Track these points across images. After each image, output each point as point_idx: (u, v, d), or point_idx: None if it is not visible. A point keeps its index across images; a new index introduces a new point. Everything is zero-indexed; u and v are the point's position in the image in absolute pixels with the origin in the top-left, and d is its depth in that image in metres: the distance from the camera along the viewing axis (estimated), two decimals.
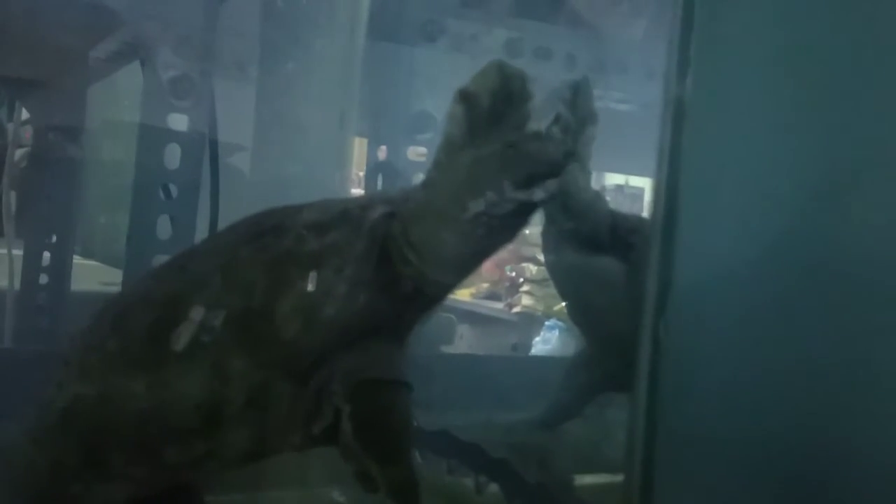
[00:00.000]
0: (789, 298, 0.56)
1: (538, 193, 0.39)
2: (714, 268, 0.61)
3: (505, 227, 0.41)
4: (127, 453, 0.41)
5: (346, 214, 0.43)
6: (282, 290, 0.41)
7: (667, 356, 0.49)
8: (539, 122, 0.40)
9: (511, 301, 1.66)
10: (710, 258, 0.61)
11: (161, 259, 0.72)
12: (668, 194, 0.50)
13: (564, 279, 0.68)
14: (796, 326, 0.55)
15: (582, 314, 0.68)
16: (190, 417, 0.41)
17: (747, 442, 0.57)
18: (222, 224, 0.78)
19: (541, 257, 1.53)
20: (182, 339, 0.41)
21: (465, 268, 0.44)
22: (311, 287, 0.41)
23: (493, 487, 0.55)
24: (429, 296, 0.43)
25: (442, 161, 0.41)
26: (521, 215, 0.41)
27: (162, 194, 0.71)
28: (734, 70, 0.59)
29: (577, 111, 0.44)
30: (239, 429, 0.41)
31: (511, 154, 0.39)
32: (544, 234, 0.68)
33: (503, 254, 1.73)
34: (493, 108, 0.40)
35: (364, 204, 0.44)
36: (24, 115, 1.09)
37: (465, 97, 0.40)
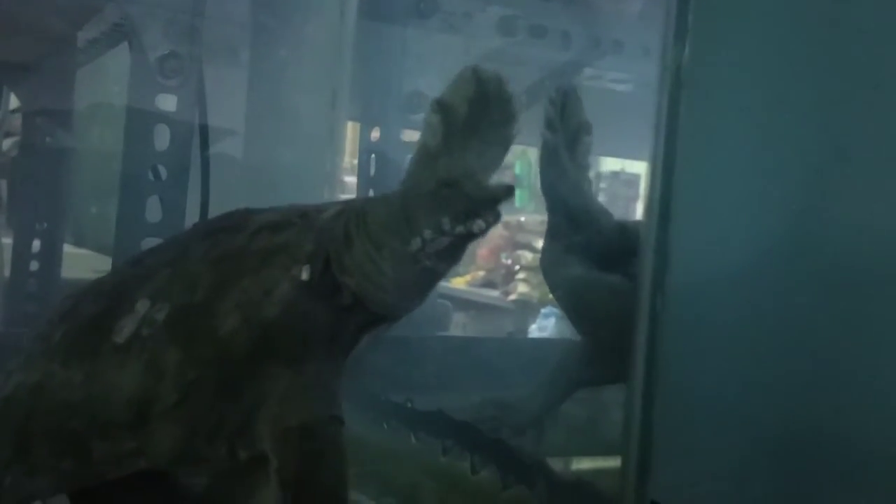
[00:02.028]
0: (787, 277, 0.56)
1: (478, 225, 0.38)
2: (711, 245, 0.61)
3: (448, 255, 0.40)
4: (55, 445, 0.40)
5: (304, 216, 0.42)
6: (225, 286, 0.40)
7: (664, 333, 0.48)
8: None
9: (507, 289, 1.66)
10: (707, 235, 0.60)
11: (151, 241, 0.71)
12: (664, 169, 0.49)
13: (570, 293, 0.66)
14: (794, 305, 0.54)
15: (590, 325, 0.65)
16: (120, 412, 0.39)
17: (745, 420, 0.56)
18: (213, 208, 0.77)
19: (536, 245, 1.52)
20: (125, 331, 0.40)
21: (405, 292, 0.41)
22: (257, 283, 0.39)
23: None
24: (369, 313, 0.41)
25: (412, 171, 0.40)
26: (463, 243, 0.40)
27: (151, 175, 0.70)
28: (732, 41, 0.58)
29: (568, 119, 0.43)
30: (167, 428, 0.39)
31: (447, 193, 0.38)
32: (546, 250, 0.66)
33: (499, 241, 1.73)
34: (471, 115, 0.39)
35: (322, 206, 0.43)
36: (14, 105, 1.08)
37: (441, 107, 0.39)
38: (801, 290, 0.54)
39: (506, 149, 0.42)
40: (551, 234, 0.65)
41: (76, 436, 0.39)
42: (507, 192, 0.39)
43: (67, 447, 0.39)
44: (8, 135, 1.16)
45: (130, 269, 0.44)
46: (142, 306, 0.40)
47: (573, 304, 0.65)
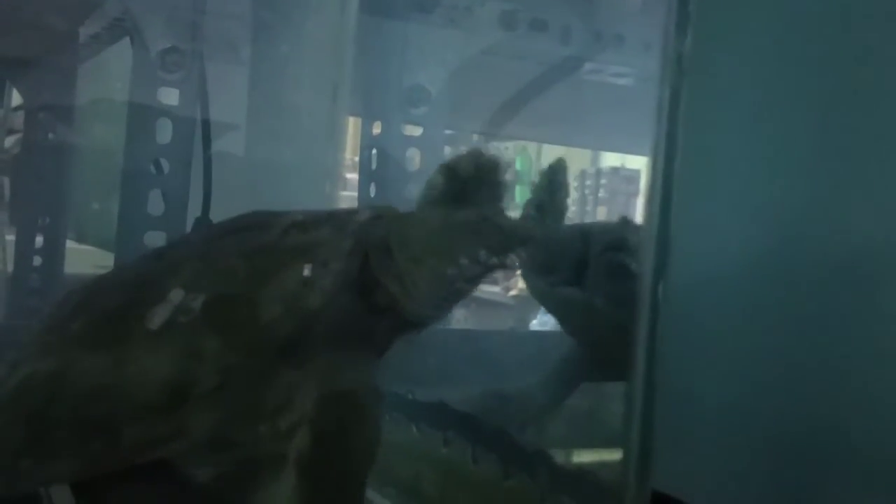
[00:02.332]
0: (789, 269, 0.56)
1: (511, 259, 0.42)
2: (713, 236, 0.61)
3: (477, 279, 0.43)
4: (80, 429, 0.40)
5: (332, 216, 0.44)
6: (263, 278, 0.41)
7: (666, 323, 0.48)
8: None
9: (507, 284, 1.66)
10: (709, 225, 0.60)
11: (153, 235, 0.71)
12: (666, 159, 0.49)
13: (551, 307, 0.67)
14: (795, 297, 0.54)
15: (578, 335, 0.66)
16: (155, 395, 0.40)
17: (747, 412, 0.56)
18: (215, 202, 0.77)
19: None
20: (157, 318, 0.40)
21: (435, 306, 0.44)
22: (298, 275, 0.41)
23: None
24: (401, 317, 0.43)
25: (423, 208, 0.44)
26: (493, 272, 0.44)
27: (153, 169, 0.70)
28: (734, 31, 0.58)
29: (555, 194, 0.47)
30: (205, 411, 0.40)
31: (486, 225, 0.42)
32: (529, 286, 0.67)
33: None
34: (466, 186, 0.43)
35: (352, 210, 0.46)
36: (16, 102, 1.08)
37: (444, 171, 0.44)
38: (803, 282, 0.54)
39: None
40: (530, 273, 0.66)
41: (105, 419, 0.40)
42: (538, 231, 0.45)
43: (94, 431, 0.40)
44: (11, 132, 1.17)
45: (151, 264, 0.45)
46: (175, 295, 0.41)
47: (571, 328, 0.66)
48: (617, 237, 0.61)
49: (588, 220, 1.61)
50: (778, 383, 0.55)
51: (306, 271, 0.41)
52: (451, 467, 0.55)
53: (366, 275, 0.42)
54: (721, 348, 0.59)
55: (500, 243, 0.42)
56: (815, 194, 0.52)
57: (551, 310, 0.66)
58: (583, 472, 0.50)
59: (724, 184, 0.61)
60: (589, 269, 0.62)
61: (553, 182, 0.50)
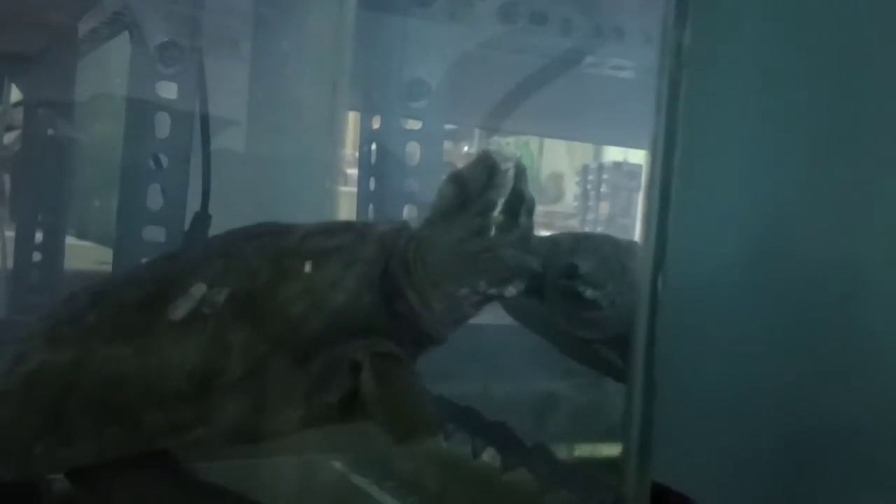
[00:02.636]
0: (789, 261, 0.56)
1: (510, 290, 0.45)
2: (713, 228, 0.60)
3: (481, 304, 0.46)
4: (99, 416, 0.41)
5: (350, 226, 0.47)
6: (288, 277, 0.43)
7: (666, 316, 0.48)
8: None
9: None
10: (709, 220, 0.60)
11: (152, 230, 0.71)
12: (665, 151, 0.49)
13: (512, 312, 0.66)
14: (796, 289, 0.54)
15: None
16: (180, 383, 0.41)
17: (747, 405, 0.56)
18: (214, 200, 0.77)
19: (539, 236, 1.52)
20: (180, 310, 0.42)
21: (445, 324, 0.47)
22: (323, 274, 0.43)
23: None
24: (418, 329, 0.46)
25: (433, 222, 0.46)
26: (490, 301, 0.46)
27: (152, 164, 0.70)
28: (734, 21, 0.58)
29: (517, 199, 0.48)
30: (233, 399, 0.41)
31: (488, 259, 0.44)
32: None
33: None
34: (477, 191, 0.45)
35: (369, 222, 0.51)
36: (15, 98, 1.08)
37: (455, 180, 0.46)
38: (804, 274, 0.54)
39: None
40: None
41: (126, 406, 0.41)
42: (537, 264, 0.46)
43: (114, 417, 0.41)
44: (10, 128, 1.17)
45: (166, 264, 0.47)
46: (197, 290, 0.42)
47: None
48: (568, 264, 0.59)
49: (591, 215, 1.60)
50: (778, 376, 0.55)
51: (330, 272, 0.43)
52: (451, 461, 0.55)
53: (388, 283, 0.44)
54: (721, 341, 0.59)
55: (500, 276, 0.44)
56: (816, 189, 0.52)
57: (512, 314, 0.65)
58: (582, 464, 0.49)
59: (725, 179, 0.60)
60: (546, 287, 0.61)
61: (514, 188, 0.50)
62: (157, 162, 0.71)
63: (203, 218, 0.74)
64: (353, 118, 0.88)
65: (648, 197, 0.49)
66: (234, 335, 0.41)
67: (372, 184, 0.79)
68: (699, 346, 0.58)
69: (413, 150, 0.77)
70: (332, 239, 0.45)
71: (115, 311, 0.43)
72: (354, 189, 0.84)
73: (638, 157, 1.58)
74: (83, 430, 0.41)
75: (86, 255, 1.03)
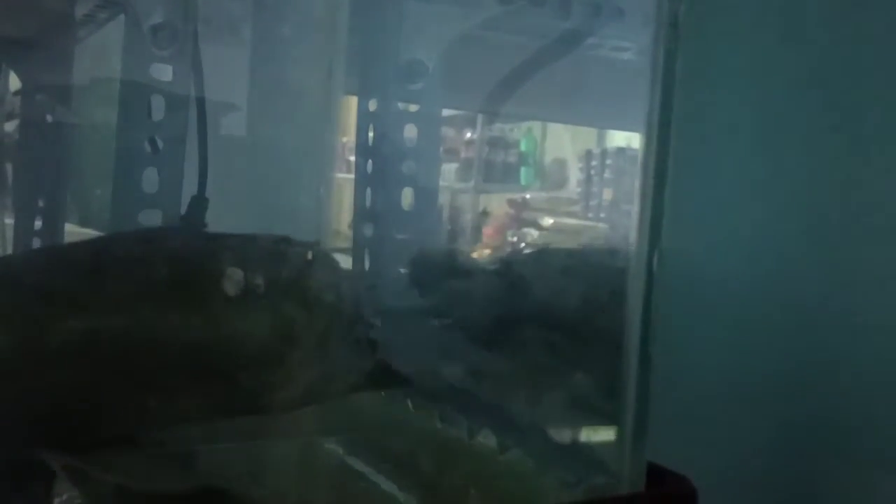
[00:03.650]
0: (784, 238, 0.55)
1: None
2: (714, 211, 0.59)
3: None
4: (200, 376, 0.44)
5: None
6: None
7: (665, 297, 0.48)
8: None
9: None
10: (709, 201, 0.59)
11: (148, 213, 0.70)
12: (660, 128, 0.48)
13: None
14: (791, 267, 0.53)
15: None
16: (259, 351, 0.45)
17: (741, 383, 0.55)
18: (211, 185, 0.77)
19: (542, 222, 1.51)
20: (231, 288, 0.45)
21: None
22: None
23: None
24: None
25: None
26: None
27: (148, 147, 0.70)
28: (730, 27, 0.57)
29: None
30: (304, 365, 0.46)
31: None
32: None
33: (504, 220, 1.71)
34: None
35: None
36: (14, 87, 1.07)
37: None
38: (799, 252, 0.53)
39: None
40: None
41: (218, 369, 0.44)
42: None
43: (213, 377, 0.44)
44: (11, 116, 1.16)
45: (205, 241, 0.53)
46: (234, 272, 0.46)
47: None
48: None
49: (594, 201, 1.60)
50: (777, 360, 0.54)
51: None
52: (447, 442, 0.55)
53: None
54: (720, 326, 0.58)
55: None
56: (817, 157, 0.51)
57: None
58: (578, 444, 0.49)
59: (726, 159, 0.59)
60: None
61: None
62: (153, 145, 0.70)
63: (200, 201, 0.73)
64: (349, 104, 0.87)
65: (644, 172, 0.48)
66: (288, 312, 0.45)
67: (370, 166, 0.78)
68: (698, 332, 0.58)
69: (411, 132, 0.77)
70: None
71: (155, 284, 0.45)
72: (351, 176, 0.83)
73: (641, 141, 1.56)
74: (188, 389, 0.44)
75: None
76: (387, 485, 0.50)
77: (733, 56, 0.57)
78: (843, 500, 0.47)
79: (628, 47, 0.82)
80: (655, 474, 0.46)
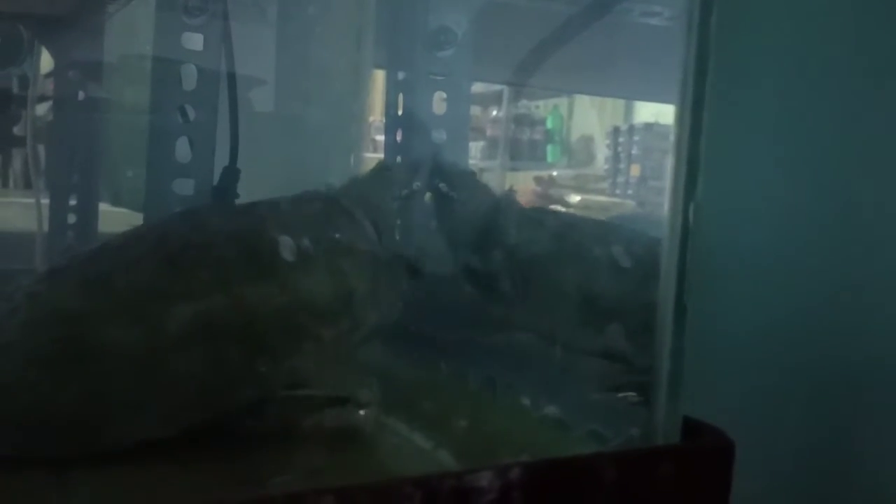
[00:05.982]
0: (817, 207, 0.54)
1: None
2: (743, 171, 0.59)
3: None
4: (290, 333, 0.48)
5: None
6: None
7: (697, 252, 0.47)
8: None
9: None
10: (739, 154, 0.59)
11: (181, 182, 0.71)
12: (696, 81, 0.48)
13: None
14: (825, 233, 0.53)
15: None
16: (331, 300, 0.49)
17: (774, 341, 0.55)
18: (242, 156, 0.77)
19: (569, 199, 1.51)
20: (288, 253, 0.48)
21: None
22: None
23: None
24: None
25: None
26: None
27: (179, 116, 0.70)
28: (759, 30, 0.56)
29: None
30: (370, 307, 0.51)
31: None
32: None
33: (531, 197, 1.71)
34: None
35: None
36: (45, 70, 1.08)
37: None
38: (831, 219, 0.53)
39: None
40: None
41: (302, 327, 0.48)
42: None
43: (301, 335, 0.48)
44: (43, 98, 1.18)
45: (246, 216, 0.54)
46: (285, 240, 0.49)
47: None
48: None
49: (621, 178, 1.58)
50: (810, 310, 0.54)
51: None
52: (479, 399, 0.55)
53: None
54: (756, 280, 0.58)
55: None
56: (852, 129, 0.50)
57: None
58: (613, 398, 0.49)
59: (757, 116, 0.59)
60: None
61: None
62: (185, 114, 0.71)
63: (232, 172, 0.74)
64: (380, 78, 0.87)
65: (679, 125, 0.48)
66: (344, 263, 0.50)
67: (399, 135, 0.78)
68: (733, 284, 0.57)
69: (439, 100, 0.77)
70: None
71: (216, 264, 0.47)
72: (381, 155, 0.83)
73: (669, 117, 1.55)
74: (290, 350, 0.47)
75: (121, 220, 1.04)
76: (421, 440, 0.51)
77: (767, 38, 0.56)
78: (877, 451, 0.47)
79: (658, 12, 0.81)
80: (692, 428, 0.46)
